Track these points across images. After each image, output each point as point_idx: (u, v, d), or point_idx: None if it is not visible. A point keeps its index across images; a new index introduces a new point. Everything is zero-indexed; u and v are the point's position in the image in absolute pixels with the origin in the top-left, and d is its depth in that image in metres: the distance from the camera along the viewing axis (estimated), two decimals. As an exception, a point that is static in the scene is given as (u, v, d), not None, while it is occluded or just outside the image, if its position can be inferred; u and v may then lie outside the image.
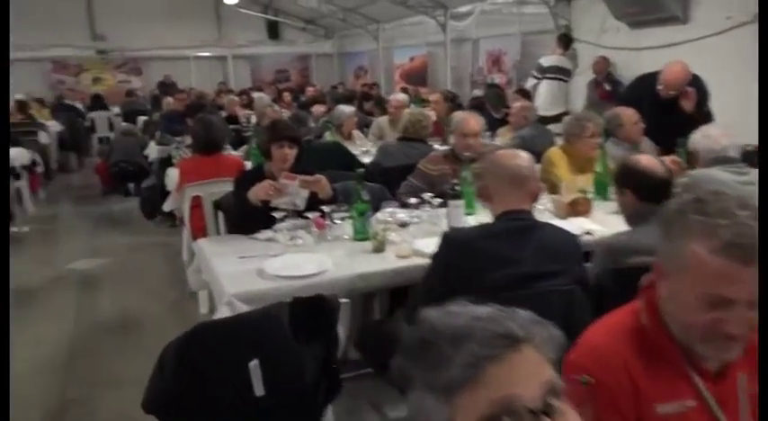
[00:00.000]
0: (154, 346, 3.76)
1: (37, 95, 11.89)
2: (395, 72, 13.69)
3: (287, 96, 10.62)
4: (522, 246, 1.85)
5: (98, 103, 11.95)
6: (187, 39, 14.90)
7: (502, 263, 1.82)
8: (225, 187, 3.90)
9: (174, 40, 14.67)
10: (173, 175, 4.88)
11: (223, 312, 2.07)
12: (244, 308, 2.11)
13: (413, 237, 2.61)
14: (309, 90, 11.29)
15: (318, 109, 9.40)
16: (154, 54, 14.95)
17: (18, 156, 6.67)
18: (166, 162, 6.30)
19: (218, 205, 3.33)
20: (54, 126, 9.94)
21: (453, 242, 1.89)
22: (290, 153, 2.96)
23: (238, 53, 15.93)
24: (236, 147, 5.70)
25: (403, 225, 2.66)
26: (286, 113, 6.49)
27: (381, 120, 5.98)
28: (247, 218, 2.82)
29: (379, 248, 2.49)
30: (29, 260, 5.51)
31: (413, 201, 2.84)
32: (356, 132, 5.62)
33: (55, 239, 6.37)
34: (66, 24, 13.88)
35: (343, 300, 1.86)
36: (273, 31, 16.07)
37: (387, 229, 2.51)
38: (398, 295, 2.58)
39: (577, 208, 2.88)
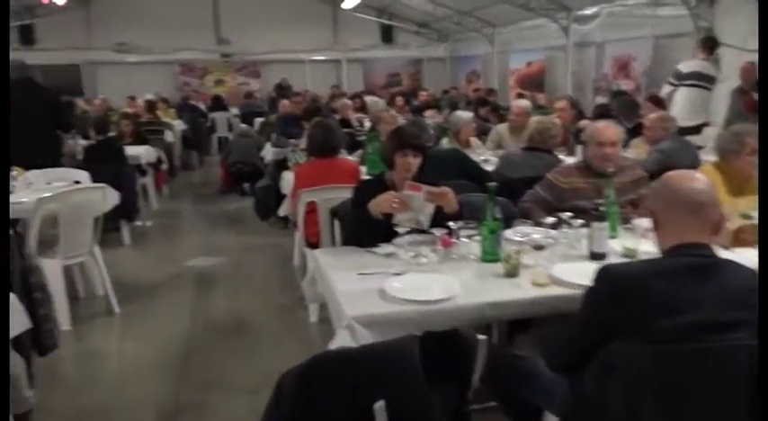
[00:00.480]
0: (265, 353, 3.81)
1: (165, 96, 12.56)
2: (509, 77, 13.25)
3: (399, 100, 10.53)
4: (701, 289, 1.53)
5: (218, 104, 12.45)
6: (304, 43, 15.27)
7: (674, 308, 1.51)
8: (341, 194, 3.79)
9: (292, 44, 15.08)
10: (288, 179, 4.87)
11: (343, 337, 1.90)
12: (364, 332, 1.94)
13: (548, 261, 2.34)
14: (423, 94, 11.14)
15: (431, 114, 9.28)
16: (272, 57, 15.45)
17: (145, 153, 6.99)
18: (281, 164, 6.35)
19: (334, 213, 3.20)
20: (179, 125, 10.45)
21: (613, 279, 1.60)
22: (414, 162, 2.77)
23: (352, 57, 16.11)
24: (350, 151, 5.62)
25: (538, 248, 2.39)
26: (399, 118, 6.33)
27: (501, 128, 5.69)
28: (367, 230, 2.66)
29: (511, 273, 2.24)
30: (151, 255, 5.73)
31: (549, 220, 2.55)
32: (474, 139, 5.37)
33: (175, 235, 6.61)
34: (195, 29, 14.63)
35: (481, 337, 1.64)
36: (387, 34, 16.11)
37: (520, 252, 2.25)
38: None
39: (743, 237, 2.48)
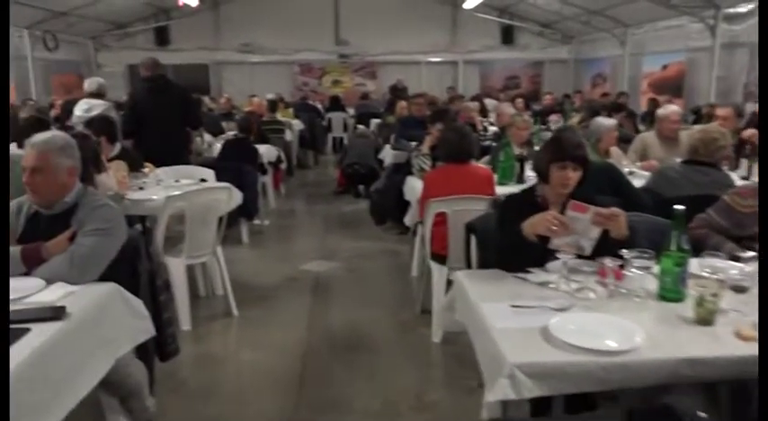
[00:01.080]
0: (384, 373, 3.51)
1: (286, 96, 12.80)
2: (641, 81, 12.31)
3: (519, 103, 10.05)
4: None
5: (336, 104, 12.50)
6: (421, 44, 15.09)
7: None
8: (474, 205, 3.49)
9: (409, 45, 14.95)
10: (412, 185, 4.61)
11: (503, 388, 1.59)
12: (529, 384, 1.61)
13: (746, 305, 1.89)
14: (547, 98, 10.57)
15: (556, 119, 8.72)
16: (389, 58, 15.39)
17: (266, 152, 7.02)
18: (400, 167, 6.13)
19: (471, 228, 2.88)
20: (297, 125, 10.55)
21: None
22: (574, 176, 2.40)
23: (470, 58, 15.71)
24: (477, 157, 5.27)
25: (738, 289, 1.94)
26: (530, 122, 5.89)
27: (647, 137, 5.12)
28: (515, 252, 2.32)
29: (706, 320, 1.82)
30: (269, 256, 5.69)
31: (749, 254, 2.09)
32: (615, 149, 4.85)
33: (291, 236, 6.57)
34: (315, 31, 14.87)
35: (702, 415, 1.26)
36: (508, 35, 15.56)
37: (717, 294, 1.83)
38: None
39: None
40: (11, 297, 2.13)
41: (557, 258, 2.29)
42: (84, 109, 5.47)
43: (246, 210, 5.75)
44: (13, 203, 2.51)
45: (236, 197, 4.47)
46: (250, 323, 4.10)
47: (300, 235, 6.61)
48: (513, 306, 2.00)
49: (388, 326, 3.98)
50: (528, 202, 2.50)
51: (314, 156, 11.18)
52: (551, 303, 1.99)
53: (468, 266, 2.85)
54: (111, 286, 2.33)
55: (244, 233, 6.00)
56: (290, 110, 11.41)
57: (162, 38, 15.09)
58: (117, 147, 4.72)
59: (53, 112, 8.60)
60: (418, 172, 4.79)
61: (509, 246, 2.35)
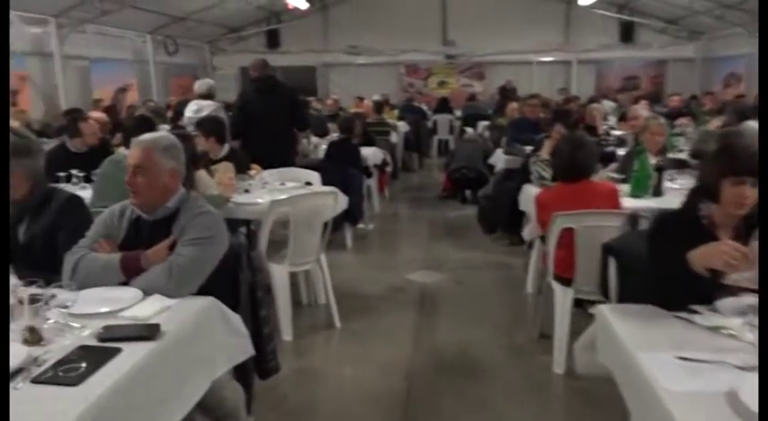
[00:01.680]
0: (498, 405, 3.00)
1: (391, 97, 12.66)
2: (784, 80, 11.00)
3: (643, 106, 9.26)
4: None
5: (444, 105, 12.19)
6: (532, 43, 14.46)
7: None
8: (607, 221, 3.06)
9: (519, 44, 14.37)
10: (530, 194, 4.20)
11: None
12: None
13: None
14: (674, 99, 9.70)
15: (685, 122, 7.91)
16: (498, 59, 14.88)
17: (372, 155, 6.83)
18: (513, 173, 5.74)
19: (609, 249, 2.47)
20: (402, 127, 10.34)
21: None
22: (752, 195, 1.95)
23: (584, 58, 14.86)
24: (596, 169, 4.76)
25: None
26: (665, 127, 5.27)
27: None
28: (677, 286, 1.91)
29: None
30: (373, 263, 5.47)
31: None
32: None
33: (395, 242, 6.34)
34: (422, 32, 14.65)
35: None
36: (627, 33, 14.55)
37: None
38: None
39: None
40: (106, 309, 2.00)
41: (728, 294, 1.85)
42: (193, 110, 5.54)
43: (351, 215, 5.57)
44: (116, 206, 2.40)
45: (341, 201, 4.28)
46: (353, 336, 3.88)
47: (405, 241, 6.36)
48: (681, 358, 1.60)
49: (501, 350, 3.61)
50: (689, 224, 2.06)
51: (419, 159, 10.92)
52: (733, 358, 1.57)
53: (605, 294, 2.44)
54: (208, 301, 2.15)
55: (348, 237, 5.83)
56: (396, 111, 11.23)
57: (273, 41, 15.44)
58: (225, 148, 4.68)
59: (169, 113, 8.91)
60: (537, 180, 4.38)
61: (668, 279, 1.94)
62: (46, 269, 2.27)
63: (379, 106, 9.20)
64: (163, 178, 2.29)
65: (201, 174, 3.79)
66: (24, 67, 8.98)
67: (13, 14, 8.74)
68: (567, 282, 3.24)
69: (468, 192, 7.78)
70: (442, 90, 15.11)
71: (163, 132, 2.38)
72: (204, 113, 5.62)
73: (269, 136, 5.24)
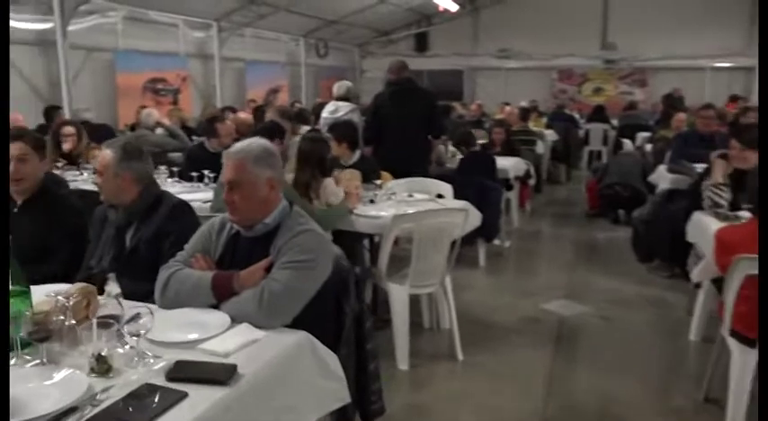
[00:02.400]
0: None
1: (540, 104, 11.94)
2: None
3: None
4: None
5: (599, 114, 11.25)
6: (705, 47, 12.96)
7: None
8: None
9: (689, 48, 12.95)
10: (702, 224, 3.48)
11: None
12: None
13: None
14: None
15: None
16: (663, 64, 13.54)
17: (514, 166, 6.31)
18: (677, 195, 4.97)
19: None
20: (550, 135, 9.64)
21: None
22: None
23: (771, 64, 13.00)
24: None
25: None
26: None
27: None
28: None
29: None
30: (506, 285, 4.97)
31: None
32: None
33: (533, 263, 5.76)
34: (579, 34, 13.71)
35: None
36: (827, 35, 12.51)
37: None
38: None
39: None
40: (186, 337, 1.77)
41: None
42: (330, 111, 5.42)
43: (486, 231, 5.12)
44: (217, 219, 2.19)
45: (473, 219, 3.86)
46: (477, 372, 3.44)
47: (544, 263, 5.76)
48: None
49: (655, 413, 2.98)
50: None
51: (566, 171, 10.11)
52: None
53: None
54: (301, 337, 1.85)
55: (481, 255, 5.38)
56: (544, 119, 10.52)
57: (421, 44, 15.29)
58: (356, 155, 4.46)
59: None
60: (710, 207, 3.64)
61: None
62: (149, 278, 2.13)
63: (525, 113, 8.59)
64: (261, 191, 2.04)
65: (329, 181, 3.57)
66: (186, 67, 9.54)
67: (178, 19, 9.33)
68: (749, 342, 2.57)
69: (621, 212, 6.97)
70: (598, 97, 14.05)
71: (255, 139, 2.11)
72: (339, 114, 5.47)
73: (402, 142, 4.95)
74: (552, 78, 14.80)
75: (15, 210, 2.69)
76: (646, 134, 9.70)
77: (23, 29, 7.12)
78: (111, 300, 1.77)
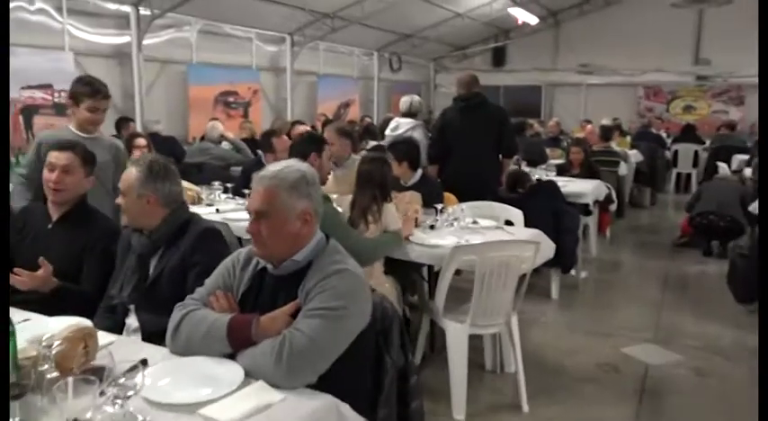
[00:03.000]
0: None
1: (624, 122, 11.24)
2: None
3: None
4: None
5: (689, 133, 10.44)
6: (812, 63, 11.79)
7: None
8: None
9: (795, 64, 11.81)
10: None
11: None
12: None
13: None
14: None
15: None
16: (764, 81, 12.45)
17: (594, 189, 5.78)
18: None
19: None
20: (634, 156, 8.96)
21: None
22: None
23: None
24: None
25: None
26: None
27: None
28: None
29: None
30: (580, 323, 4.46)
31: None
32: None
33: (612, 298, 5.21)
34: (668, 49, 12.85)
35: None
36: None
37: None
38: None
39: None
40: (184, 398, 1.48)
41: None
42: (392, 127, 5.07)
43: (561, 260, 4.67)
44: (243, 251, 1.91)
45: (546, 251, 3.44)
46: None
47: (626, 299, 5.19)
48: None
49: None
50: None
51: (651, 195, 9.37)
52: None
53: None
54: (326, 403, 1.53)
55: (554, 286, 4.92)
56: (627, 138, 9.82)
57: (498, 58, 14.83)
58: (417, 175, 4.13)
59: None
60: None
61: None
62: (168, 313, 1.87)
63: (607, 132, 7.95)
64: (292, 225, 1.74)
65: (391, 207, 3.25)
66: (258, 80, 9.53)
67: (252, 32, 9.35)
68: None
69: (714, 244, 6.29)
70: (688, 116, 13.13)
71: (292, 162, 1.82)
72: (401, 131, 5.14)
73: (469, 162, 4.59)
74: (638, 95, 13.97)
75: (50, 225, 2.54)
76: (743, 157, 8.87)
77: (101, 43, 7.26)
78: (103, 350, 1.51)
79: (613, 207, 6.42)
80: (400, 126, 4.92)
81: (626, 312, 4.77)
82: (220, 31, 8.77)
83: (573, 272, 5.26)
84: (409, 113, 5.20)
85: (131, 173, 2.21)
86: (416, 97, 5.37)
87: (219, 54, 8.76)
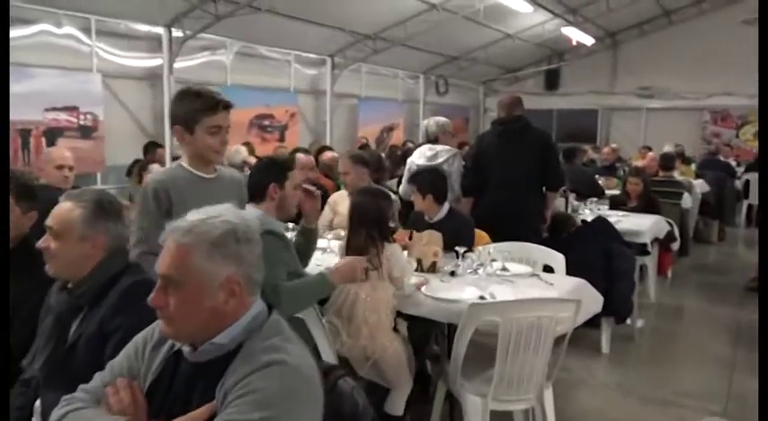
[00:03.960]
0: None
1: (688, 150, 10.39)
2: None
3: None
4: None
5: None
6: None
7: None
8: None
9: None
10: None
11: None
12: None
13: None
14: None
15: None
16: None
17: (653, 225, 5.09)
18: None
19: None
20: (700, 186, 8.15)
21: None
22: None
23: None
24: None
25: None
26: None
27: None
28: None
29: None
30: (635, 387, 3.78)
31: None
32: None
33: (673, 353, 4.50)
34: (736, 71, 11.88)
35: None
36: None
37: None
38: None
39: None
40: None
41: None
42: (427, 156, 4.44)
43: (614, 308, 4.03)
44: (156, 326, 1.43)
45: (591, 305, 2.85)
46: None
47: (690, 355, 4.47)
48: None
49: None
50: None
51: (719, 229, 8.48)
52: None
53: None
54: None
55: (604, 338, 4.26)
56: (692, 166, 9.00)
57: (552, 81, 14.17)
58: (444, 210, 3.60)
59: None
60: None
61: None
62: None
63: (669, 160, 7.18)
64: (211, 299, 1.26)
65: (395, 248, 2.74)
66: (296, 103, 9.23)
67: (291, 54, 9.09)
68: None
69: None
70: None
71: (220, 209, 1.33)
72: (439, 162, 4.55)
73: (506, 194, 4.04)
74: (703, 120, 13.01)
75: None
76: (827, 188, 7.94)
77: (132, 65, 7.10)
78: None
79: (676, 245, 5.67)
80: (439, 155, 4.29)
81: (690, 373, 4.05)
82: (256, 53, 8.52)
83: (628, 321, 4.60)
84: (428, 140, 4.60)
85: (70, 209, 1.78)
86: (440, 119, 4.69)
87: (256, 75, 8.51)
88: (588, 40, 11.48)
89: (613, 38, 13.40)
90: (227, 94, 2.58)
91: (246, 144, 7.17)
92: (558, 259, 3.31)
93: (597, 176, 7.36)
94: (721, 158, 10.23)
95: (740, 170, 9.94)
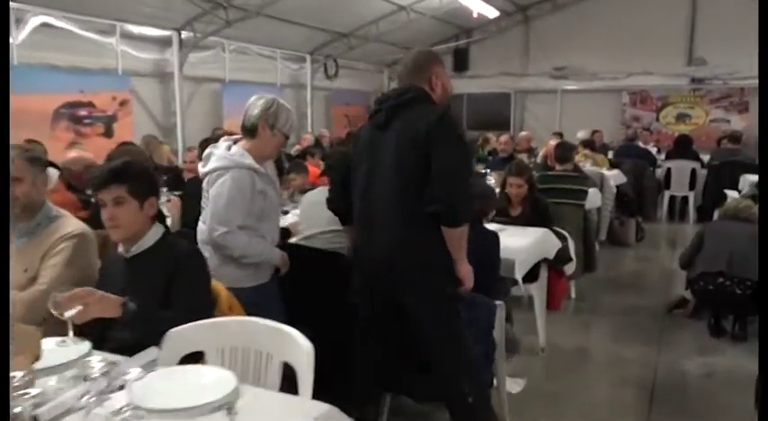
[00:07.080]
0: None
1: (606, 135, 9.24)
2: None
3: None
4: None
5: (683, 147, 8.38)
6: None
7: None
8: None
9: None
10: None
11: None
12: None
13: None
14: None
15: None
16: (770, 83, 10.41)
17: (536, 246, 3.64)
18: None
19: None
20: (615, 178, 6.89)
21: None
22: None
23: None
24: None
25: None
26: None
27: None
28: None
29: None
30: None
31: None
32: None
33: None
34: (657, 48, 10.89)
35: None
36: None
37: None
38: None
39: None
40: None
41: None
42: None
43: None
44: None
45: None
46: None
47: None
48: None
49: None
50: None
51: (637, 228, 7.22)
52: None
53: None
54: None
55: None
56: (604, 156, 7.70)
57: (460, 62, 12.76)
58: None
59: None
60: None
61: None
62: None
63: (565, 150, 5.48)
64: None
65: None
66: (128, 87, 7.46)
67: (117, 29, 7.29)
68: None
69: (729, 319, 4.17)
70: (683, 126, 11.13)
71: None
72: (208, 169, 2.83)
73: (374, 215, 2.42)
74: (622, 103, 11.92)
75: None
76: (754, 177, 6.78)
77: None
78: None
79: (570, 269, 4.21)
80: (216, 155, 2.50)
81: None
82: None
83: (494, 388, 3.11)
84: (252, 129, 2.66)
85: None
86: (271, 101, 2.79)
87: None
88: (492, 12, 10.11)
89: (524, 13, 12.12)
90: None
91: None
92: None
93: (488, 172, 5.95)
94: (640, 144, 9.08)
95: (661, 157, 8.81)
